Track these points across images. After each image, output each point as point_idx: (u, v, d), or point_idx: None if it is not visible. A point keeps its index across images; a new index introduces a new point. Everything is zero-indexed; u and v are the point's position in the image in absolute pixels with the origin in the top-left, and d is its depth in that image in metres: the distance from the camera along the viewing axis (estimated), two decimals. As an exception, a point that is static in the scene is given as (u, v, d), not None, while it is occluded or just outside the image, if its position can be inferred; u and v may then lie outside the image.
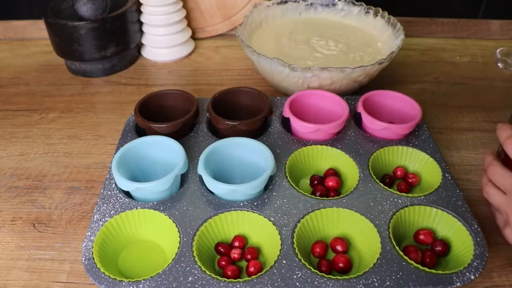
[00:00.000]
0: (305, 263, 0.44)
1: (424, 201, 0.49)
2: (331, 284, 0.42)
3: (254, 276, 0.43)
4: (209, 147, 0.52)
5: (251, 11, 0.76)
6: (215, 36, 0.89)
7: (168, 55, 0.82)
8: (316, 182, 0.54)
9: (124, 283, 0.42)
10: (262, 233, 0.48)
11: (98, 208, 0.49)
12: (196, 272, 0.43)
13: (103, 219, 0.48)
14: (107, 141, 0.64)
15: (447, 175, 0.53)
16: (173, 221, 0.47)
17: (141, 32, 0.83)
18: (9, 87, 0.77)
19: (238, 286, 0.42)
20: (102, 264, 0.44)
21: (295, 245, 0.45)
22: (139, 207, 0.49)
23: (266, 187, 0.51)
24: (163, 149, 0.53)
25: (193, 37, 0.87)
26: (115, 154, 0.52)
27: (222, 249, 0.47)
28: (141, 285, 0.42)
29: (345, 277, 0.42)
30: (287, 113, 0.58)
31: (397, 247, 0.45)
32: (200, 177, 0.52)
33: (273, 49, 0.72)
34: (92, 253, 0.44)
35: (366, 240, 0.47)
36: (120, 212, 0.48)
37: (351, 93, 0.67)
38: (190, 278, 0.42)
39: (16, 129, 0.67)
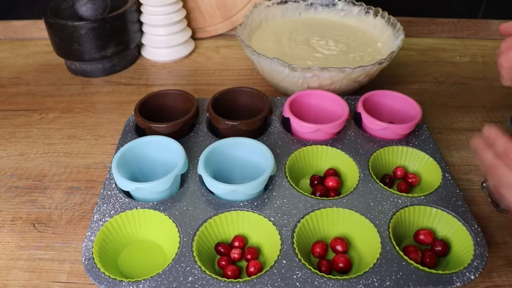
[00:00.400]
0: (305, 263, 0.44)
1: (424, 201, 0.49)
2: (331, 284, 0.42)
3: (254, 276, 0.43)
4: (209, 147, 0.52)
5: (251, 11, 0.76)
6: (215, 36, 0.89)
7: (168, 55, 0.82)
8: (316, 182, 0.54)
9: (124, 283, 0.42)
10: (262, 233, 0.48)
11: (98, 208, 0.49)
12: (196, 272, 0.43)
13: (103, 219, 0.48)
14: (107, 141, 0.64)
15: (447, 175, 0.53)
16: (173, 221, 0.47)
17: (141, 32, 0.83)
18: (9, 87, 0.77)
19: (238, 286, 0.42)
20: (102, 264, 0.44)
21: (295, 245, 0.45)
22: (139, 207, 0.49)
23: (266, 187, 0.51)
24: (163, 149, 0.53)
25: (193, 37, 0.87)
26: (115, 154, 0.52)
27: (222, 249, 0.47)
28: (141, 285, 0.42)
29: (345, 277, 0.42)
30: (287, 113, 0.58)
31: (397, 247, 0.45)
32: (200, 177, 0.52)
33: (273, 49, 0.72)
34: (92, 253, 0.44)
35: (366, 240, 0.47)
36: (120, 212, 0.48)
37: (351, 93, 0.67)
38: (190, 278, 0.42)
39: (16, 129, 0.67)
